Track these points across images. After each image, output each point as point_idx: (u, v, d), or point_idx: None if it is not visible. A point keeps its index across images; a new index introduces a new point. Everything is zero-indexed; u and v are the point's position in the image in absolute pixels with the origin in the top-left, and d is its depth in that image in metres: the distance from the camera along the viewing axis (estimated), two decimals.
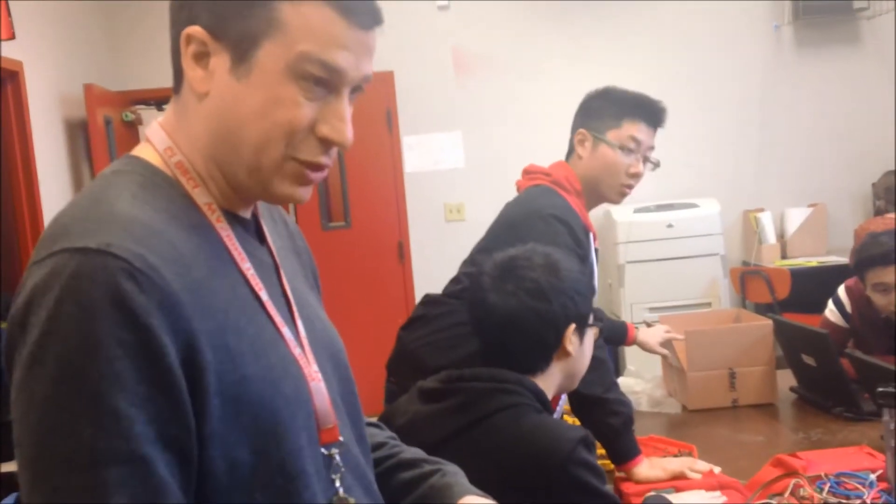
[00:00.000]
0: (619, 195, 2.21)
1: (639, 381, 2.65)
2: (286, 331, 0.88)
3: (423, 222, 5.30)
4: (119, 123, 4.81)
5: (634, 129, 2.16)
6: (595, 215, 5.22)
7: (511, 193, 2.24)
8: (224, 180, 0.88)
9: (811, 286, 4.34)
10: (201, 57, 0.84)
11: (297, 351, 0.88)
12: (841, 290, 2.77)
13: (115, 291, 0.71)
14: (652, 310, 4.64)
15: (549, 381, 1.53)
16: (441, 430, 1.42)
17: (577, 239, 2.03)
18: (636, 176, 2.18)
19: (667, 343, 2.47)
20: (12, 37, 3.72)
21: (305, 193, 0.88)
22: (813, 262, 4.90)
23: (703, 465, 1.85)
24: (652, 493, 1.65)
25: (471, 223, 5.16)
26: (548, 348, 1.50)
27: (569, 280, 1.50)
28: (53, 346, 0.71)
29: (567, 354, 1.51)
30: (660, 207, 4.95)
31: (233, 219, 0.89)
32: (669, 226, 4.83)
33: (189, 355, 0.75)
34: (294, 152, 0.84)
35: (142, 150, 0.89)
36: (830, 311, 2.77)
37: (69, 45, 4.60)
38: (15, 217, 3.94)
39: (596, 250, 2.23)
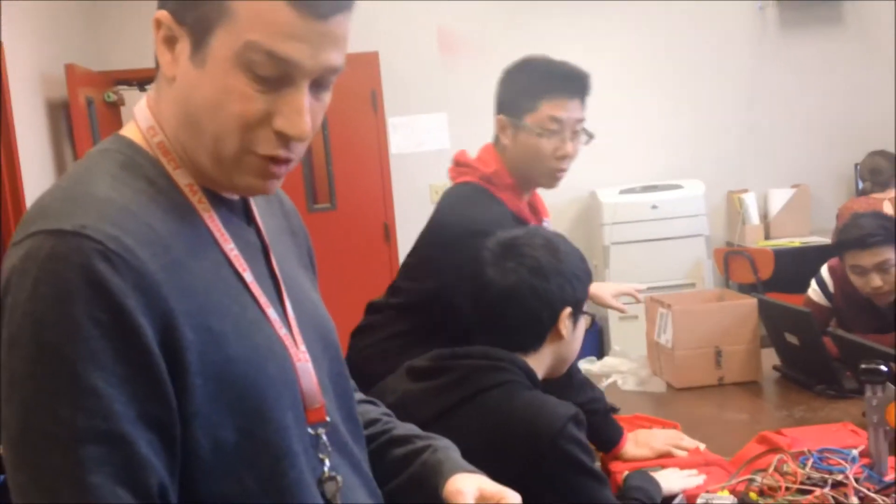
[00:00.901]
0: (552, 179, 2.04)
1: (624, 360, 2.68)
2: (271, 311, 0.88)
3: (408, 203, 5.29)
4: (101, 104, 4.76)
5: (554, 108, 1.95)
6: (580, 196, 5.36)
7: None
8: (196, 162, 0.87)
9: (794, 266, 4.38)
10: (169, 42, 0.83)
11: (282, 332, 0.88)
12: (824, 270, 2.79)
13: (89, 272, 0.72)
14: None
15: (540, 362, 1.54)
16: (433, 407, 1.43)
17: None
18: (565, 157, 2.00)
19: (619, 297, 2.37)
20: None
21: (271, 186, 0.87)
22: (796, 242, 4.94)
23: (689, 442, 1.87)
24: (632, 472, 1.66)
25: None
26: (542, 326, 1.51)
27: (568, 263, 1.52)
28: (31, 328, 0.72)
29: (560, 336, 1.52)
30: (645, 189, 4.97)
31: (217, 200, 0.89)
32: (654, 207, 4.85)
33: (168, 335, 0.75)
34: (251, 146, 0.83)
35: (128, 130, 0.90)
36: (813, 291, 2.80)
37: (50, 25, 4.54)
38: None
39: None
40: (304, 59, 0.80)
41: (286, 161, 0.85)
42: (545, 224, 2.11)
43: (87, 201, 0.77)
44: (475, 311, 1.57)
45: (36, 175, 4.15)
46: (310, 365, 0.90)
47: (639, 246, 4.82)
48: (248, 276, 0.87)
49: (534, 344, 1.53)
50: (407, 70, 5.25)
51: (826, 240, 4.77)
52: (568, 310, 1.52)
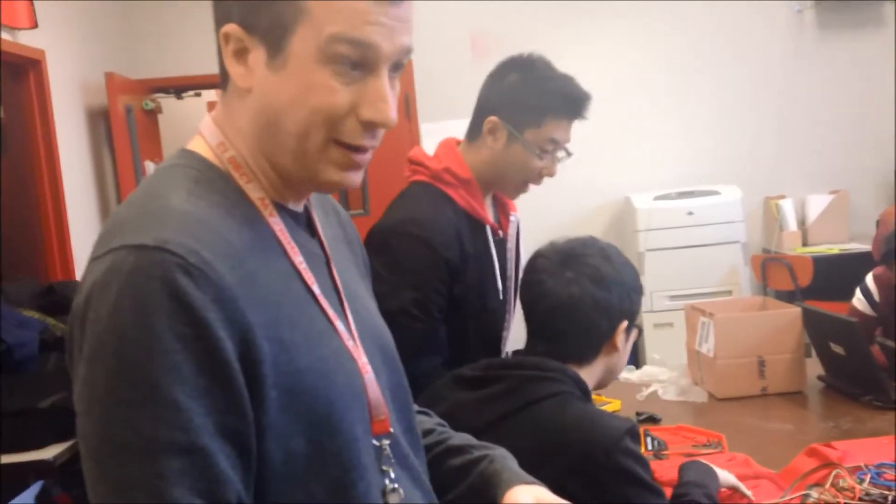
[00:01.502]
0: (519, 193, 1.95)
1: (663, 369, 2.65)
2: (339, 323, 0.89)
3: None
4: (139, 111, 4.82)
5: (557, 130, 1.85)
6: (615, 201, 5.32)
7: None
8: (274, 173, 0.88)
9: (833, 273, 4.32)
10: (240, 53, 0.84)
11: (349, 343, 0.89)
12: (869, 279, 2.75)
13: (171, 286, 0.72)
14: (672, 297, 4.63)
15: (592, 373, 1.53)
16: (485, 416, 1.42)
17: (442, 258, 1.77)
18: (546, 177, 1.92)
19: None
20: (35, 25, 3.74)
21: (355, 178, 0.88)
22: (835, 248, 4.87)
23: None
24: (688, 463, 1.63)
25: None
26: (600, 337, 1.50)
27: (626, 274, 1.52)
28: (113, 341, 0.72)
29: (615, 349, 1.52)
30: (680, 195, 4.93)
31: (284, 212, 0.90)
32: (690, 213, 4.81)
33: (245, 348, 0.76)
34: (336, 135, 0.84)
35: (195, 145, 0.90)
36: (858, 300, 2.75)
37: (90, 34, 4.60)
38: (38, 205, 3.96)
39: (498, 240, 1.95)
40: (384, 42, 0.81)
41: (368, 149, 0.86)
42: (512, 219, 2.00)
43: (166, 215, 0.78)
44: (528, 321, 1.56)
45: (76, 181, 4.22)
46: (373, 376, 0.90)
47: (674, 252, 4.78)
48: (316, 288, 0.88)
49: (589, 355, 1.52)
50: (440, 75, 5.25)
51: (865, 246, 4.70)
52: (625, 322, 1.51)
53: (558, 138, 1.86)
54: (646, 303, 4.79)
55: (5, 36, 3.59)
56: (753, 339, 2.39)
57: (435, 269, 1.78)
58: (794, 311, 2.44)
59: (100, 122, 4.59)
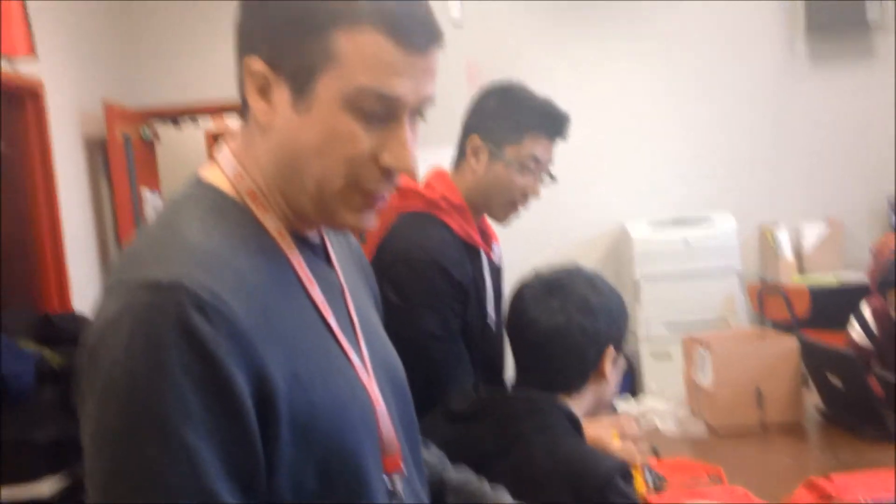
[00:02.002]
0: (506, 214, 1.98)
1: (661, 400, 2.65)
2: (353, 356, 0.88)
3: None
4: (137, 139, 4.84)
5: (536, 147, 1.89)
6: (610, 230, 5.34)
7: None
8: (289, 207, 0.87)
9: (831, 303, 4.33)
10: (264, 89, 0.83)
11: (363, 376, 0.88)
12: (865, 309, 2.76)
13: (184, 324, 0.72)
14: (668, 325, 4.63)
15: (582, 404, 1.53)
16: (475, 451, 1.42)
17: (453, 280, 1.80)
18: (531, 196, 1.96)
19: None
20: (33, 54, 3.76)
21: (371, 220, 0.88)
22: (830, 277, 4.88)
23: (632, 428, 1.77)
24: None
25: None
26: (587, 366, 1.50)
27: (612, 300, 1.51)
28: (125, 379, 0.72)
29: (603, 376, 1.51)
30: (675, 222, 4.95)
31: (301, 242, 0.89)
32: (685, 242, 4.82)
33: (259, 384, 0.75)
34: (357, 183, 0.84)
35: (210, 174, 0.89)
36: (856, 333, 2.76)
37: (88, 62, 4.63)
38: (35, 234, 3.97)
39: (493, 266, 1.99)
40: (408, 94, 0.82)
41: (386, 194, 0.87)
42: (495, 249, 2.04)
43: (181, 250, 0.78)
44: (514, 352, 1.56)
45: (73, 210, 4.22)
46: (385, 409, 0.89)
47: (670, 281, 4.79)
48: (332, 321, 0.87)
49: (577, 384, 1.52)
50: (435, 103, 5.27)
51: (861, 275, 4.71)
52: (611, 348, 1.51)
53: (539, 156, 1.90)
54: (642, 331, 4.79)
55: (4, 65, 3.61)
56: (751, 370, 2.39)
57: (449, 291, 1.79)
58: (791, 343, 2.44)
59: (97, 150, 4.61)
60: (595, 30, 5.31)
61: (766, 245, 5.21)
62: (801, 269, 5.09)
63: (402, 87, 0.81)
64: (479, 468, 1.31)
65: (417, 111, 0.85)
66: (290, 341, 0.79)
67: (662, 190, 5.31)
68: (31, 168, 3.92)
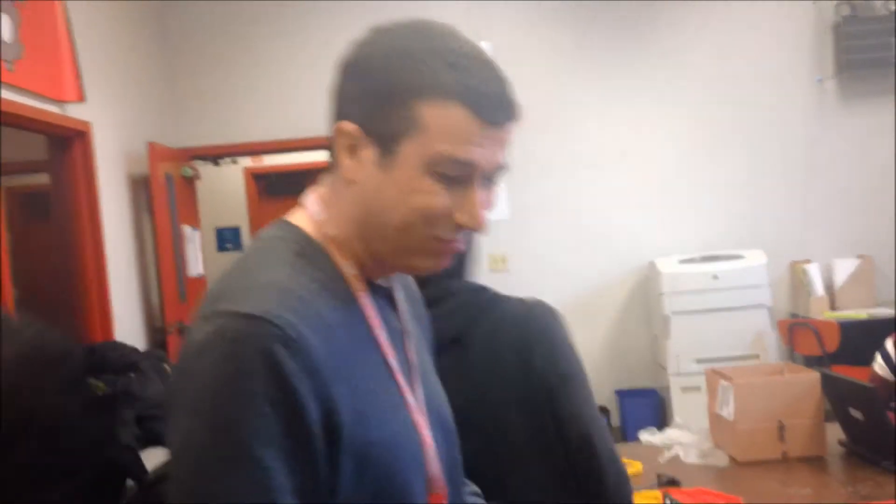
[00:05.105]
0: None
1: (685, 432, 2.68)
2: (409, 397, 0.95)
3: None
4: (178, 178, 5.01)
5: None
6: (640, 266, 5.39)
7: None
8: (368, 254, 0.95)
9: (861, 338, 4.32)
10: (353, 148, 0.92)
11: (417, 416, 0.95)
12: (889, 344, 2.78)
13: (269, 356, 0.80)
14: (698, 361, 4.64)
15: None
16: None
17: None
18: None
19: None
20: (82, 99, 3.94)
21: (445, 263, 0.96)
22: (862, 313, 4.87)
23: None
24: None
25: (514, 273, 5.24)
26: None
27: None
28: (211, 399, 0.80)
29: None
30: (705, 258, 4.98)
31: (371, 287, 0.97)
32: (715, 277, 4.85)
33: (328, 417, 0.83)
34: (433, 232, 0.92)
35: (298, 218, 0.98)
36: (879, 366, 2.78)
37: (134, 105, 4.83)
38: (81, 268, 4.11)
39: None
40: (483, 162, 0.90)
41: (461, 241, 0.95)
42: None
43: (271, 288, 0.86)
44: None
45: (117, 246, 4.38)
46: (434, 450, 0.96)
47: (700, 316, 4.81)
48: (393, 362, 0.95)
49: None
50: None
51: (892, 311, 4.70)
52: None
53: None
54: (672, 366, 4.81)
55: (54, 108, 3.80)
56: (773, 403, 2.43)
57: None
58: (813, 377, 2.48)
59: (141, 188, 4.78)
60: (624, 70, 5.41)
61: (798, 281, 5.22)
62: (833, 304, 5.09)
63: (477, 155, 0.89)
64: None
65: (490, 176, 0.93)
66: (357, 380, 0.87)
67: (693, 228, 5.35)
68: (78, 205, 4.08)
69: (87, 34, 4.07)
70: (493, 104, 0.90)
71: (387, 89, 0.89)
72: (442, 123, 0.88)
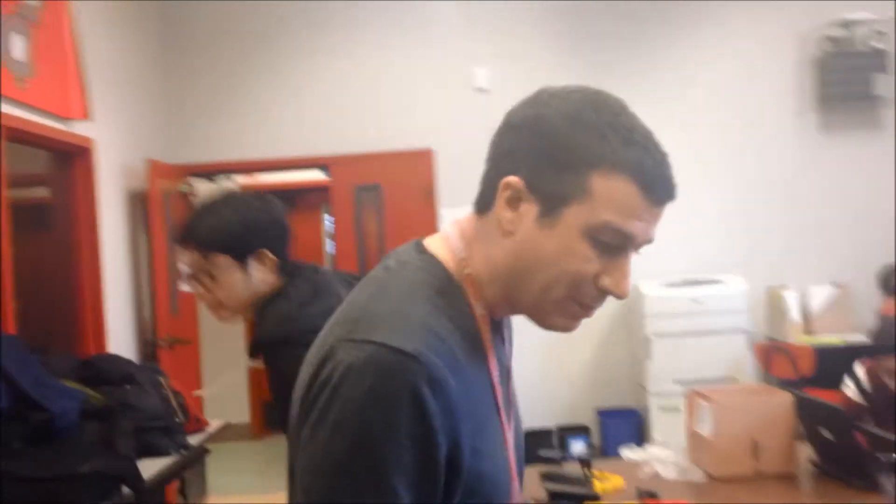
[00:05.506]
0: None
1: (665, 449, 2.81)
2: (509, 435, 1.01)
3: None
4: (175, 194, 5.11)
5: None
6: None
7: None
8: (501, 297, 0.99)
9: (835, 363, 4.45)
10: (514, 201, 0.95)
11: (511, 455, 1.01)
12: (858, 368, 2.92)
13: (416, 393, 0.85)
14: (678, 382, 4.78)
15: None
16: None
17: None
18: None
19: None
20: (87, 117, 4.05)
21: (575, 326, 1.00)
22: (837, 339, 5.02)
23: None
24: None
25: None
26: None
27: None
28: (359, 422, 0.85)
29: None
30: (686, 282, 5.12)
31: (492, 324, 1.02)
32: (696, 301, 4.99)
33: (453, 452, 0.89)
34: (575, 295, 0.95)
35: (437, 246, 1.02)
36: (848, 388, 2.92)
37: (135, 123, 4.95)
38: (77, 282, 4.20)
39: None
40: (640, 235, 0.95)
41: (596, 308, 0.98)
42: None
43: (418, 326, 0.90)
44: None
45: (114, 260, 4.47)
46: (518, 485, 1.02)
47: (680, 339, 4.95)
48: (500, 400, 1.00)
49: None
50: (460, 165, 5.53)
51: (865, 337, 4.86)
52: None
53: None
54: (652, 386, 4.94)
55: (59, 125, 3.90)
56: (748, 423, 2.55)
57: None
58: (786, 398, 2.61)
59: (138, 204, 4.88)
60: (617, 93, 5.56)
61: (775, 306, 5.37)
62: (809, 330, 5.24)
63: (638, 228, 0.93)
64: None
65: (639, 248, 0.98)
66: (477, 418, 0.93)
67: (674, 254, 5.50)
68: (77, 219, 4.17)
69: (91, 52, 4.18)
70: (660, 185, 0.95)
71: (563, 155, 0.92)
72: (611, 195, 0.91)
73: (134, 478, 2.83)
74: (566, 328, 0.99)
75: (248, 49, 5.61)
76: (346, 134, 5.61)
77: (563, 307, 0.96)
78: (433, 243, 1.02)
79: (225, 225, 1.86)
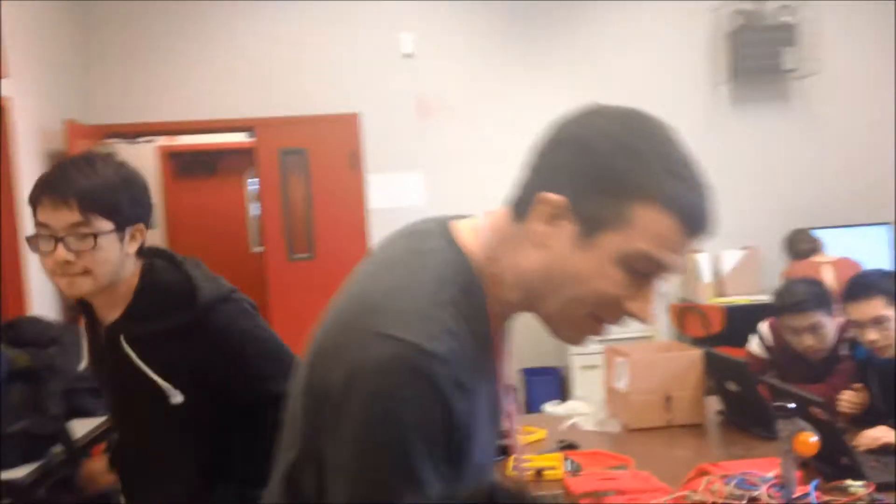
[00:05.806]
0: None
1: (584, 404, 2.97)
2: (495, 430, 1.07)
3: None
4: None
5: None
6: None
7: None
8: (519, 300, 1.01)
9: (743, 321, 4.71)
10: (553, 217, 0.95)
11: (492, 451, 1.08)
12: (763, 326, 3.12)
13: (445, 396, 0.90)
14: (598, 341, 4.96)
15: None
16: None
17: None
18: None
19: None
20: (4, 74, 3.93)
21: (585, 341, 1.02)
22: (745, 299, 5.30)
23: None
24: None
25: None
26: None
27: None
28: (390, 418, 0.89)
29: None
30: None
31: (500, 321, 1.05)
32: None
33: (465, 442, 0.95)
34: (597, 312, 0.97)
35: (469, 239, 1.02)
36: (755, 344, 3.12)
37: (53, 82, 4.80)
38: None
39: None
40: (672, 266, 0.95)
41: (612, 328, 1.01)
42: None
43: (443, 329, 0.92)
44: None
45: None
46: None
47: None
48: (499, 401, 1.06)
49: None
50: (386, 131, 5.58)
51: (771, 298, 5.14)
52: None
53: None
54: (574, 346, 5.13)
55: None
56: (661, 377, 2.72)
57: None
58: (696, 354, 2.78)
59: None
60: (534, 69, 5.69)
61: (689, 269, 5.62)
62: (720, 291, 5.50)
63: (672, 259, 0.94)
64: None
65: (668, 275, 0.98)
66: (480, 416, 0.98)
67: None
68: None
69: (7, 9, 4.05)
70: (699, 221, 0.96)
71: (607, 181, 0.93)
72: (651, 227, 0.92)
73: (65, 438, 2.83)
74: (576, 341, 1.02)
75: (171, 8, 5.49)
76: (271, 97, 5.57)
77: (581, 322, 0.98)
78: (463, 231, 1.03)
79: (112, 187, 1.62)
